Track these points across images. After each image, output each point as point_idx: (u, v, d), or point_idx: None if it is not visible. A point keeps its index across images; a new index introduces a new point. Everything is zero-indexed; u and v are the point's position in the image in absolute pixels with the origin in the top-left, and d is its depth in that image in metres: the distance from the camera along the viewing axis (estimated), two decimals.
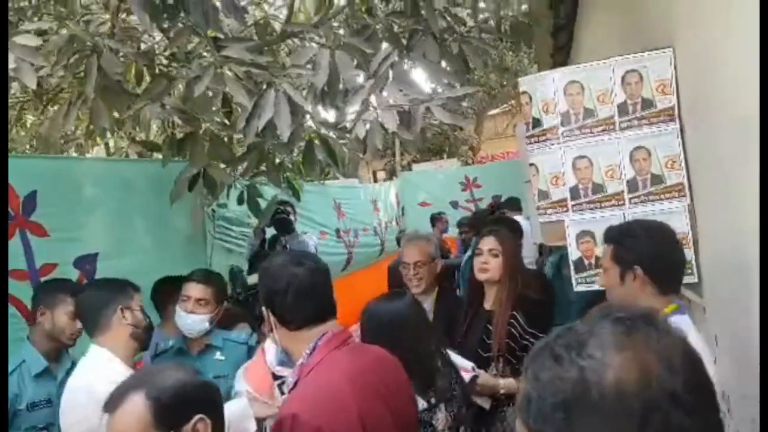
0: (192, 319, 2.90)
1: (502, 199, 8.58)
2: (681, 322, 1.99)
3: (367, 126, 2.54)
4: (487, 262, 2.92)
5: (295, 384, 1.69)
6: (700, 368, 0.76)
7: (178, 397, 1.49)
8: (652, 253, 2.06)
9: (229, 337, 3.06)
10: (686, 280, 2.47)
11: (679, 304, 2.09)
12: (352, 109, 2.60)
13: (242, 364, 2.93)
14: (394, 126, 2.39)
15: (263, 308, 1.79)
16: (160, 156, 4.52)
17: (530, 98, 2.73)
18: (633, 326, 0.76)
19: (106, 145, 6.69)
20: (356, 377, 1.66)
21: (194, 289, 2.94)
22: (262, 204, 4.21)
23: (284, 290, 1.70)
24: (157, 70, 3.10)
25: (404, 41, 3.12)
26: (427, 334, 2.37)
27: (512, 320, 2.78)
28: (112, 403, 1.50)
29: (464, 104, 16.24)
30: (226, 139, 3.63)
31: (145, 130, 3.27)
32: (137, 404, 1.46)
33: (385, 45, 3.05)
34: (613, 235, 2.19)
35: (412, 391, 1.91)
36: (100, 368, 2.31)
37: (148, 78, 3.39)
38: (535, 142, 2.73)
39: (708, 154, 2.26)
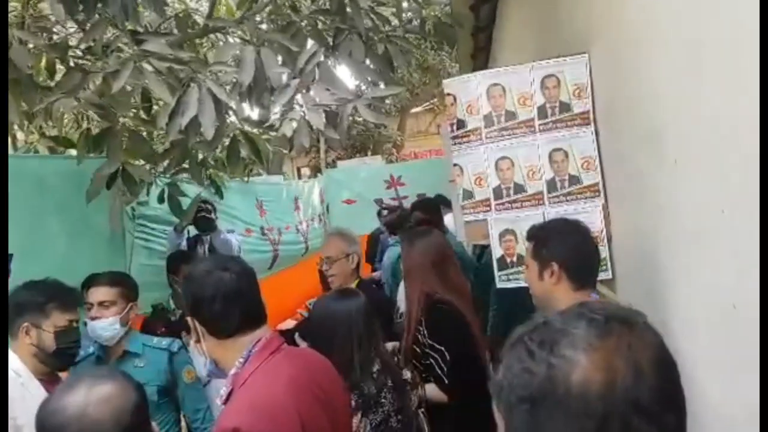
0: (98, 324, 2.73)
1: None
2: None
3: (294, 124, 2.52)
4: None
5: (229, 395, 1.63)
6: (670, 375, 0.78)
7: None
8: (568, 250, 2.16)
9: (150, 342, 2.88)
10: (601, 276, 2.60)
11: (596, 299, 2.19)
12: (278, 108, 2.57)
13: (163, 371, 2.79)
14: (321, 125, 2.38)
15: (188, 318, 1.71)
16: (73, 152, 4.32)
17: (455, 99, 2.78)
18: (607, 329, 0.78)
19: (13, 139, 6.32)
20: (294, 384, 1.62)
21: (94, 294, 2.78)
22: (183, 203, 4.10)
23: (211, 297, 1.63)
24: (71, 63, 2.95)
25: (329, 39, 3.11)
26: (368, 339, 2.37)
27: (419, 326, 2.80)
28: None
29: (387, 102, 16.35)
30: (145, 135, 3.50)
31: (57, 125, 3.09)
32: None
33: (310, 43, 3.03)
34: (533, 234, 2.28)
35: (346, 391, 1.91)
36: None
37: (61, 70, 3.23)
38: (460, 142, 2.78)
39: (621, 156, 2.38)
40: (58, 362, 2.45)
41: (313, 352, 1.87)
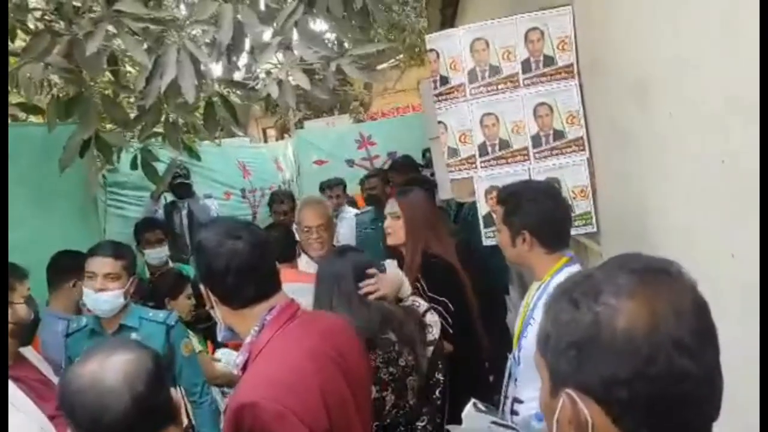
0: (103, 297, 2.66)
1: (398, 156, 8.63)
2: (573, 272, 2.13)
3: (274, 86, 2.45)
4: (390, 226, 2.97)
5: (245, 364, 1.60)
6: (706, 316, 0.85)
7: None
8: (539, 218, 2.17)
9: (147, 315, 2.81)
10: (586, 230, 2.64)
11: (570, 257, 2.22)
12: (261, 67, 2.49)
13: (161, 345, 2.71)
14: (308, 85, 2.32)
15: (201, 286, 1.66)
16: (33, 119, 4.16)
17: (438, 55, 2.74)
18: (646, 277, 0.84)
19: None
20: (313, 353, 1.58)
21: (100, 264, 2.69)
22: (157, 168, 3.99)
23: (224, 269, 1.56)
24: (33, 26, 2.81)
25: None
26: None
27: (417, 284, 2.79)
28: None
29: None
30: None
31: (26, 92, 2.94)
32: None
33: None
34: (504, 198, 2.28)
35: (365, 352, 1.84)
36: None
37: (20, 35, 3.08)
38: (444, 99, 2.75)
39: (607, 110, 2.38)
40: (32, 332, 2.41)
41: (330, 315, 1.84)
